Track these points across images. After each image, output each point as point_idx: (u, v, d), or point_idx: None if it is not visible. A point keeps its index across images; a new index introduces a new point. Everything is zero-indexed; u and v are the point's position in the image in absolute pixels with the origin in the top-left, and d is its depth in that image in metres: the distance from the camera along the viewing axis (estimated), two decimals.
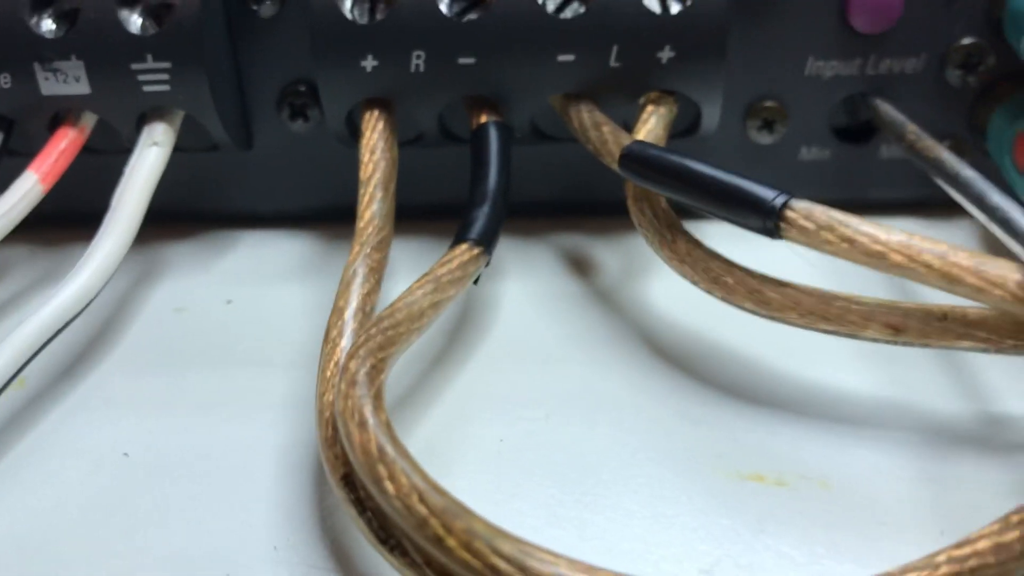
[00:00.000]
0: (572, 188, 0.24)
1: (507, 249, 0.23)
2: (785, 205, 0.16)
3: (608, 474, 0.17)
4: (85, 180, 0.22)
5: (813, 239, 0.16)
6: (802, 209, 0.16)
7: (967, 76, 0.22)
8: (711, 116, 0.22)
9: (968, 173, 0.18)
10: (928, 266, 0.15)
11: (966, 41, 0.22)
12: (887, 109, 0.22)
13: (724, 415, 0.18)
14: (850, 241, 0.15)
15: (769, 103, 0.23)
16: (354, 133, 0.22)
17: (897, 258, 0.15)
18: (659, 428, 0.18)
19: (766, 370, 0.19)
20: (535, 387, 0.19)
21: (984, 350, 0.16)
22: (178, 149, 0.22)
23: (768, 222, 0.16)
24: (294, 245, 0.24)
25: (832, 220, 0.16)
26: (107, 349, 0.21)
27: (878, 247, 0.15)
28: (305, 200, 0.25)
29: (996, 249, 0.22)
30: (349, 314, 0.18)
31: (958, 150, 0.23)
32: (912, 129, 0.21)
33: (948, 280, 0.15)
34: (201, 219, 0.25)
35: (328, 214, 0.24)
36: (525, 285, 0.22)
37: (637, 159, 0.19)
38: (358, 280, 0.18)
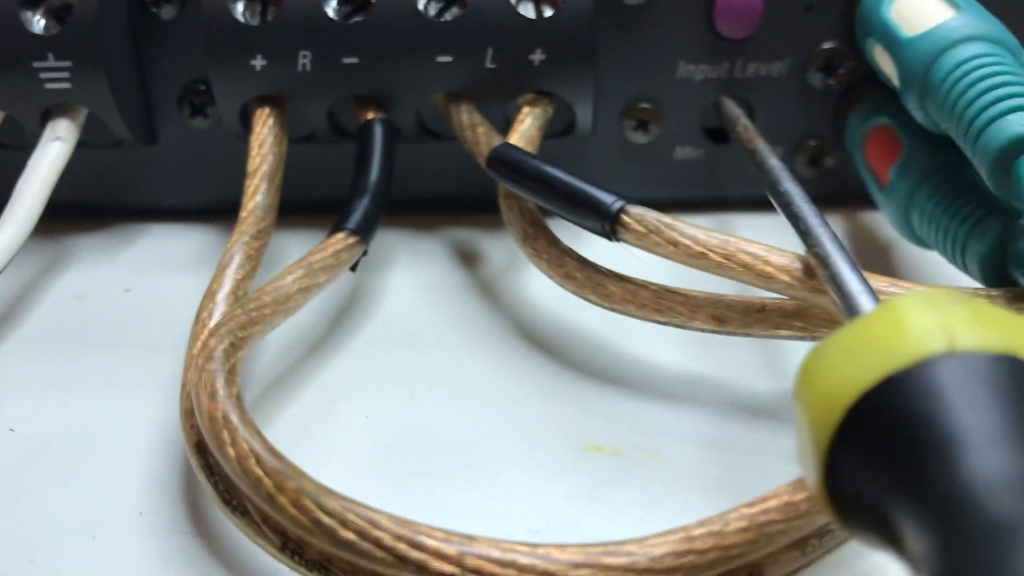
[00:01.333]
0: (463, 184, 0.25)
1: (397, 242, 0.25)
2: (621, 210, 0.18)
3: (461, 446, 0.18)
4: None
5: (645, 242, 0.17)
6: (636, 214, 0.17)
7: (828, 79, 0.23)
8: (584, 116, 0.23)
9: (773, 162, 0.19)
10: (745, 265, 0.16)
11: (826, 45, 0.23)
12: (728, 106, 0.23)
13: (575, 392, 0.19)
14: (675, 244, 0.17)
15: (644, 104, 0.24)
16: (248, 129, 0.23)
17: (717, 258, 0.16)
18: (515, 404, 0.19)
19: (616, 353, 0.20)
20: (405, 369, 0.20)
21: (801, 338, 0.17)
22: (83, 145, 0.23)
23: (606, 225, 0.18)
24: (195, 237, 0.25)
25: (660, 224, 0.17)
26: (4, 334, 0.22)
27: (699, 248, 0.17)
28: (207, 194, 0.26)
29: (859, 245, 0.24)
30: (221, 297, 0.19)
31: (822, 150, 0.24)
32: (743, 123, 0.22)
33: (762, 278, 0.16)
34: (108, 213, 0.26)
35: (229, 207, 0.25)
36: (411, 275, 0.23)
37: (501, 161, 0.20)
38: (233, 265, 0.19)
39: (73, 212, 0.26)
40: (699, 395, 0.19)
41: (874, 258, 0.23)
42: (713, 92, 0.24)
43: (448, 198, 0.26)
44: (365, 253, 0.21)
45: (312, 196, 0.25)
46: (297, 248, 0.24)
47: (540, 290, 0.22)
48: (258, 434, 0.15)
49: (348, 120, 0.24)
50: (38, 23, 0.23)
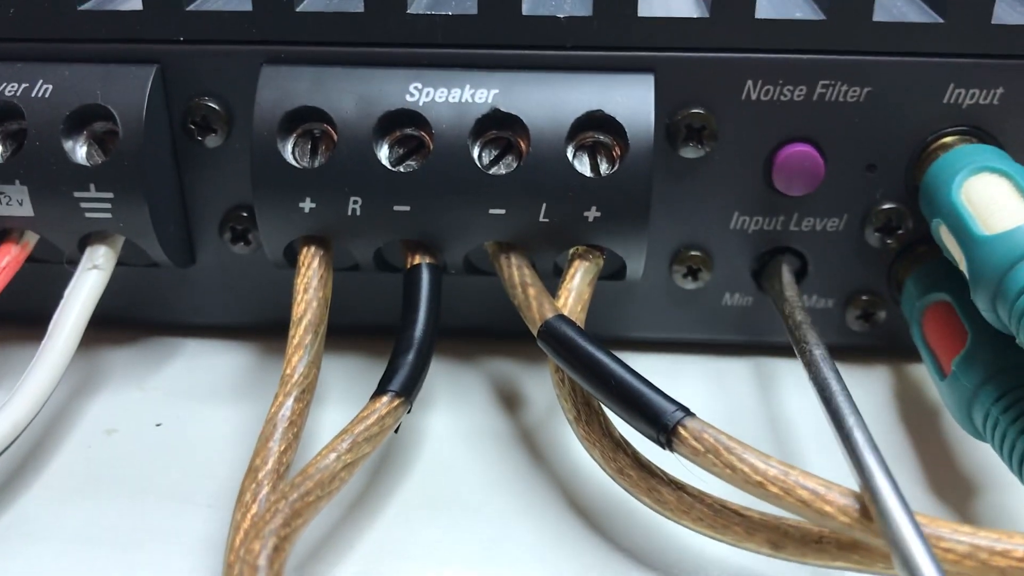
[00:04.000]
0: (505, 316, 0.25)
1: (436, 375, 0.24)
2: (679, 423, 0.17)
3: None
4: (26, 287, 0.23)
5: (701, 459, 0.17)
6: (693, 429, 0.17)
7: (886, 238, 0.23)
8: (635, 268, 0.22)
9: (828, 375, 0.19)
10: (803, 502, 0.16)
11: (886, 206, 0.23)
12: (785, 273, 0.23)
13: None
14: (732, 468, 0.16)
15: (694, 252, 0.23)
16: (292, 260, 0.23)
17: (774, 490, 0.16)
18: None
19: (667, 536, 0.20)
20: (445, 543, 0.19)
21: (858, 571, 0.17)
22: (120, 264, 0.23)
23: (661, 436, 0.17)
24: (230, 358, 0.25)
25: (719, 445, 0.17)
26: (34, 473, 0.21)
27: (757, 478, 0.16)
28: (244, 314, 0.25)
29: (909, 402, 0.23)
30: (263, 475, 0.18)
31: (875, 304, 0.24)
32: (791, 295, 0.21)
33: (820, 516, 0.15)
34: (142, 326, 0.26)
35: (266, 327, 0.25)
36: (451, 420, 0.23)
37: (554, 337, 0.19)
38: (276, 436, 0.19)
39: (106, 323, 0.25)
40: None
41: (924, 422, 0.23)
42: (768, 243, 0.23)
43: (489, 329, 0.25)
44: (409, 411, 0.20)
45: (354, 321, 0.25)
46: (337, 377, 0.24)
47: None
48: None
49: (395, 255, 0.23)
50: (80, 151, 0.22)
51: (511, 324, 0.25)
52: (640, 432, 0.18)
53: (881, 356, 0.25)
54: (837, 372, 0.19)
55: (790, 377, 0.24)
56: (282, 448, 0.19)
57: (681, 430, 0.17)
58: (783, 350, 0.25)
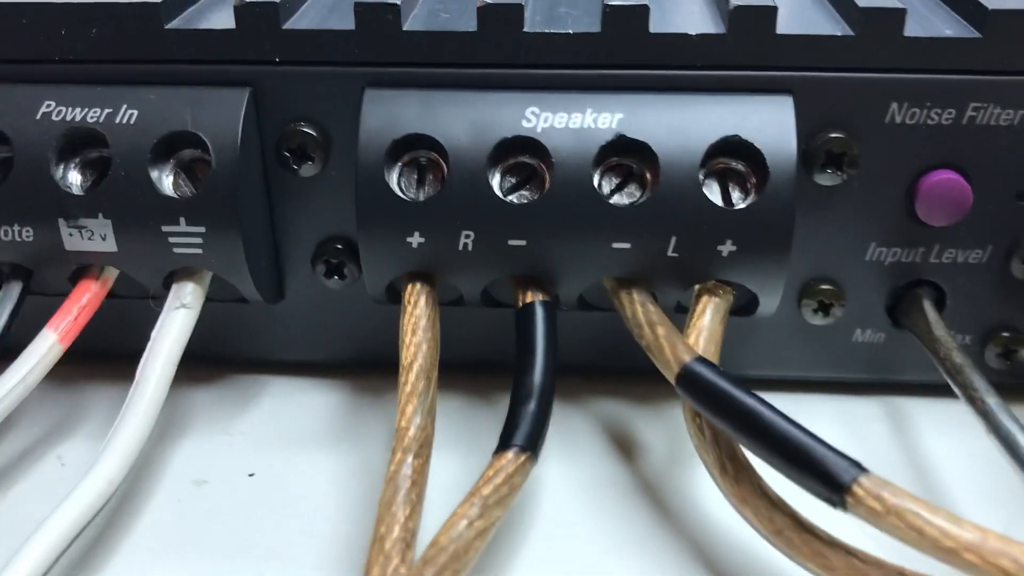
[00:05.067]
0: (613, 353, 0.23)
1: None
2: (854, 481, 0.15)
3: None
4: (106, 323, 0.21)
5: (880, 521, 0.15)
6: (871, 488, 0.15)
7: None
8: (770, 304, 0.21)
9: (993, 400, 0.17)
10: (1005, 572, 0.14)
11: None
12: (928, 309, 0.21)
13: None
14: (919, 532, 0.15)
15: (826, 285, 0.22)
16: (393, 296, 0.21)
17: (970, 558, 0.14)
18: None
19: None
20: None
21: None
22: (207, 299, 0.21)
23: (835, 495, 0.15)
24: (320, 398, 0.23)
25: (902, 506, 0.15)
26: (124, 530, 0.20)
27: (949, 543, 0.14)
28: (335, 351, 0.24)
29: None
30: (390, 545, 0.16)
31: (1017, 341, 0.22)
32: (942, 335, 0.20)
33: None
34: (227, 362, 0.24)
35: (359, 364, 0.24)
36: (566, 469, 0.21)
37: (698, 383, 0.18)
38: (399, 499, 0.17)
39: (190, 360, 0.23)
40: None
41: None
42: (904, 275, 0.22)
43: (593, 365, 0.24)
44: (535, 464, 0.19)
45: (458, 356, 0.23)
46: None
47: (714, 495, 0.20)
48: None
49: (501, 290, 0.21)
50: (167, 180, 0.20)
51: (616, 361, 0.23)
52: (808, 491, 0.16)
53: (1021, 395, 0.23)
54: (1017, 420, 0.17)
55: (925, 416, 0.23)
56: (407, 513, 0.17)
57: (857, 489, 0.15)
58: (914, 388, 0.23)
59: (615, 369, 0.24)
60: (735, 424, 0.17)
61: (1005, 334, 0.22)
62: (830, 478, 0.16)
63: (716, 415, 0.18)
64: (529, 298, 0.20)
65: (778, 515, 0.17)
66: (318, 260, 0.22)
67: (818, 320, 0.22)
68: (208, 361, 0.24)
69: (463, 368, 0.23)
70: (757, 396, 0.17)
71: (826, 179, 0.20)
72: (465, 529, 0.16)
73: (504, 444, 0.18)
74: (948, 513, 0.15)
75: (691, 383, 0.18)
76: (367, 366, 0.24)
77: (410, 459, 0.18)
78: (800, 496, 0.17)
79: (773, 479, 0.17)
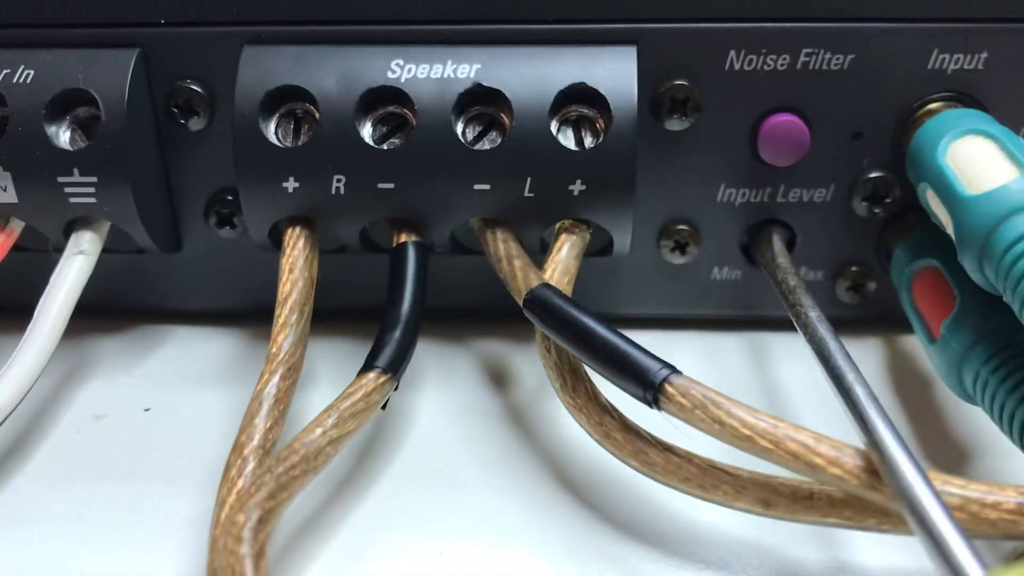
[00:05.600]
0: (494, 295, 0.25)
1: (427, 356, 0.24)
2: (665, 380, 0.17)
3: None
4: (12, 275, 0.23)
5: (689, 416, 0.17)
6: (680, 386, 0.17)
7: (874, 207, 0.23)
8: (622, 243, 0.22)
9: (824, 334, 0.19)
10: (793, 454, 0.16)
11: (873, 175, 0.23)
12: (775, 241, 0.23)
13: (614, 554, 0.18)
14: (721, 423, 0.16)
15: (682, 226, 0.23)
16: (278, 243, 0.23)
17: (764, 443, 0.16)
18: (550, 567, 0.18)
19: (657, 508, 0.19)
20: (435, 519, 0.19)
21: (849, 527, 0.17)
22: (106, 251, 0.23)
23: (648, 394, 0.17)
24: (219, 343, 0.25)
25: (706, 400, 0.16)
26: (23, 458, 0.21)
27: (746, 431, 0.16)
28: (232, 300, 0.25)
29: (901, 372, 0.23)
30: (249, 451, 0.18)
31: (865, 275, 0.24)
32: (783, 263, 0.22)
33: (810, 469, 0.15)
34: (130, 313, 0.26)
35: (254, 312, 0.25)
36: (441, 398, 0.23)
37: (540, 305, 0.19)
38: (262, 413, 0.19)
39: (95, 312, 0.25)
40: (743, 564, 0.18)
41: (916, 392, 0.23)
42: (755, 215, 0.23)
43: (479, 309, 0.25)
44: (396, 388, 0.20)
45: (342, 304, 0.25)
46: (326, 359, 0.24)
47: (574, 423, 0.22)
48: None
49: (381, 235, 0.23)
50: (63, 136, 0.22)
51: (502, 303, 0.25)
52: (627, 392, 0.18)
53: (872, 327, 0.25)
54: (834, 332, 0.19)
55: (783, 349, 0.24)
56: (268, 425, 0.19)
57: (668, 387, 0.17)
58: (774, 324, 0.25)
59: (499, 312, 0.25)
60: (570, 338, 0.19)
61: (854, 268, 0.24)
62: (644, 377, 0.17)
63: (554, 331, 0.19)
64: (403, 239, 0.22)
65: (607, 419, 0.19)
66: (210, 211, 0.24)
67: (676, 259, 0.24)
68: (116, 312, 0.25)
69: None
70: (591, 314, 0.19)
71: (674, 124, 0.22)
72: (319, 436, 0.18)
73: (368, 365, 0.20)
74: (747, 407, 0.17)
75: (536, 305, 0.20)
76: (263, 314, 0.25)
77: (276, 379, 0.19)
78: (632, 405, 0.18)
79: (608, 394, 0.19)
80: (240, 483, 0.18)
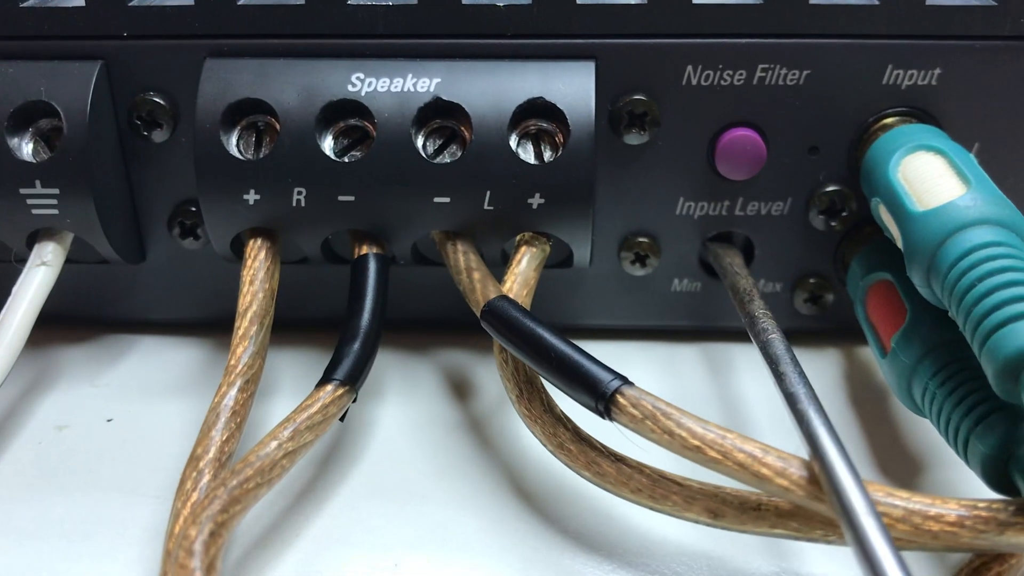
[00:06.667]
0: (455, 306, 0.25)
1: (388, 366, 0.24)
2: (617, 391, 0.17)
3: None
4: None
5: (639, 427, 0.17)
6: (631, 397, 0.17)
7: (831, 220, 0.23)
8: (582, 255, 0.22)
9: (778, 347, 0.19)
10: (740, 465, 0.16)
11: (829, 188, 0.23)
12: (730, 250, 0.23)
13: (568, 567, 0.19)
14: (670, 434, 0.16)
15: (642, 238, 0.24)
16: (240, 254, 0.23)
17: (712, 454, 0.16)
18: None
19: (612, 518, 0.20)
20: (391, 532, 0.19)
21: (796, 538, 0.17)
22: (70, 261, 0.23)
23: (599, 404, 0.17)
24: (183, 354, 0.25)
25: (656, 411, 0.17)
26: None
27: (695, 442, 0.16)
28: (197, 310, 0.25)
29: (857, 384, 0.23)
30: (205, 464, 0.18)
31: (822, 287, 0.24)
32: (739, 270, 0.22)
33: (758, 479, 0.16)
34: (94, 323, 0.26)
35: (218, 322, 0.25)
36: (401, 409, 0.23)
37: (496, 316, 0.20)
38: (219, 425, 0.19)
39: (57, 323, 0.25)
40: (694, 575, 0.18)
41: (871, 404, 0.23)
42: (714, 228, 0.24)
43: (441, 320, 0.25)
44: (354, 400, 0.20)
45: (305, 314, 0.25)
46: (288, 369, 0.24)
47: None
48: None
49: (342, 246, 0.23)
50: (26, 148, 0.22)
51: (464, 315, 0.25)
52: (579, 402, 0.18)
53: (830, 339, 0.25)
54: (786, 341, 0.19)
55: (742, 361, 0.25)
56: (224, 437, 0.19)
57: (619, 398, 0.17)
58: (734, 335, 0.25)
59: (462, 323, 0.25)
60: (525, 349, 0.19)
61: (812, 280, 0.24)
62: (596, 388, 0.18)
63: (511, 343, 0.19)
64: (364, 250, 0.22)
65: (561, 430, 0.19)
66: (174, 222, 0.24)
67: (637, 271, 0.24)
68: (79, 322, 0.25)
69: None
70: (547, 326, 0.19)
71: (633, 138, 0.22)
72: (274, 449, 0.18)
73: (326, 378, 0.20)
74: (696, 418, 0.17)
75: (492, 317, 0.20)
76: (229, 324, 0.25)
77: (234, 392, 0.20)
78: (587, 417, 0.18)
79: (563, 406, 0.19)
80: (195, 496, 0.18)
